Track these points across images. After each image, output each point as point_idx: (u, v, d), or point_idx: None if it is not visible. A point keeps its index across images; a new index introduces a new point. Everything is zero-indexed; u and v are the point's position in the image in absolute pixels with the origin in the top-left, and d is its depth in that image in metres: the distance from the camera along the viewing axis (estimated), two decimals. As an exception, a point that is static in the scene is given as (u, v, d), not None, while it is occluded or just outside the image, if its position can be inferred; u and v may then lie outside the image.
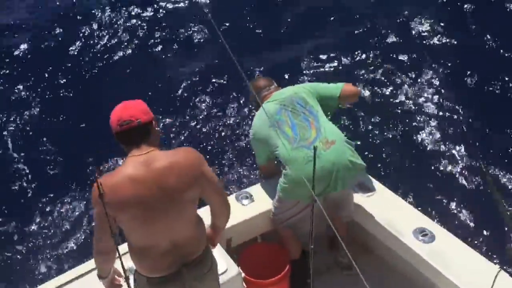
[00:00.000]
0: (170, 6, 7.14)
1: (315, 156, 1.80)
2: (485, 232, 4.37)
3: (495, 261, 2.88)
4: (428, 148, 5.14)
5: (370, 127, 5.39)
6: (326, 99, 3.39)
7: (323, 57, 6.15)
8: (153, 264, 2.43)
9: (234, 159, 5.12)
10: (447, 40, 6.24)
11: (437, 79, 5.78)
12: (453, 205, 4.64)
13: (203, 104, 5.71)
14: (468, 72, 5.78)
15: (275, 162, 3.53)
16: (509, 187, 4.59)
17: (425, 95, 5.66)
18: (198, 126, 5.48)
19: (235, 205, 3.42)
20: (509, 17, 6.54)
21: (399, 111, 5.58)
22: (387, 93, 5.74)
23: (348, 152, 3.15)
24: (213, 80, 5.97)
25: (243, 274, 3.13)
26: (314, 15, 6.81)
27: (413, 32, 6.41)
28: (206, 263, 2.54)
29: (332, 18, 6.72)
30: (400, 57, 6.09)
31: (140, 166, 2.28)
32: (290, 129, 3.22)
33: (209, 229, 2.67)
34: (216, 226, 2.68)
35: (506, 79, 5.68)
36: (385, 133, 5.36)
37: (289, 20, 6.77)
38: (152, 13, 7.03)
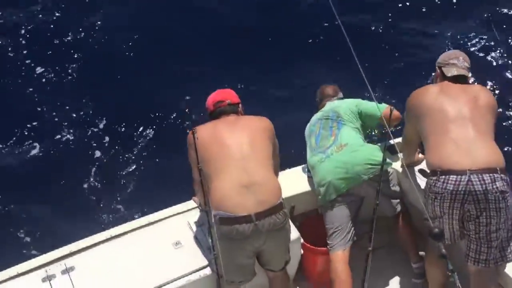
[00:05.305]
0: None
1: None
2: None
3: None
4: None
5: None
6: (367, 116, 3.62)
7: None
8: (228, 196, 2.74)
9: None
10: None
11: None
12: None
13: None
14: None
15: None
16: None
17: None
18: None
19: (301, 176, 3.70)
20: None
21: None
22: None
23: (364, 152, 3.37)
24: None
25: (302, 240, 3.37)
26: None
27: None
28: (278, 217, 2.78)
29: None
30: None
31: (226, 118, 3.04)
32: (314, 139, 3.58)
33: None
34: None
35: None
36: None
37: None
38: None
